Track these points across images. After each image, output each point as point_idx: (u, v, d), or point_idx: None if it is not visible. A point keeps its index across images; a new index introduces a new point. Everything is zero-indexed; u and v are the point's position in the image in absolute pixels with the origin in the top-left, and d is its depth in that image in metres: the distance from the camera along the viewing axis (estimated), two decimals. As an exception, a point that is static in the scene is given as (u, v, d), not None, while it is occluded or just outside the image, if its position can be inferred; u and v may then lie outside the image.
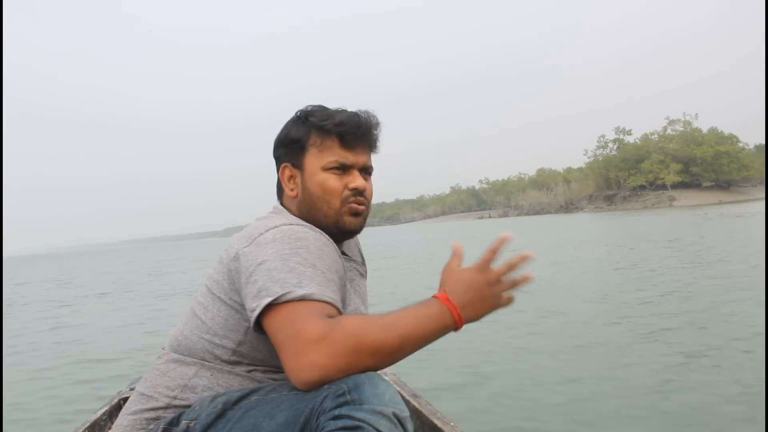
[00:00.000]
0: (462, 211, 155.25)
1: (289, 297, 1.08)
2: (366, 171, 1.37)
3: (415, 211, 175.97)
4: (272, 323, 1.09)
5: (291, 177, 1.37)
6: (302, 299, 1.08)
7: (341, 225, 1.33)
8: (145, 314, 10.32)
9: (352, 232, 1.37)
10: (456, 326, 1.13)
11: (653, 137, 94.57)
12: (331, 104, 1.39)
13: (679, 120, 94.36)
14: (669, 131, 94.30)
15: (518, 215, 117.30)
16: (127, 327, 8.98)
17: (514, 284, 1.17)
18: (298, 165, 1.35)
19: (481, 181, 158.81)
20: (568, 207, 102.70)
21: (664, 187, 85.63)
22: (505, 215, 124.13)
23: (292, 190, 1.36)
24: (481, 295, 1.15)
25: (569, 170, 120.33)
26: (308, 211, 1.33)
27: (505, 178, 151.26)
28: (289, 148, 1.36)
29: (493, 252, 1.16)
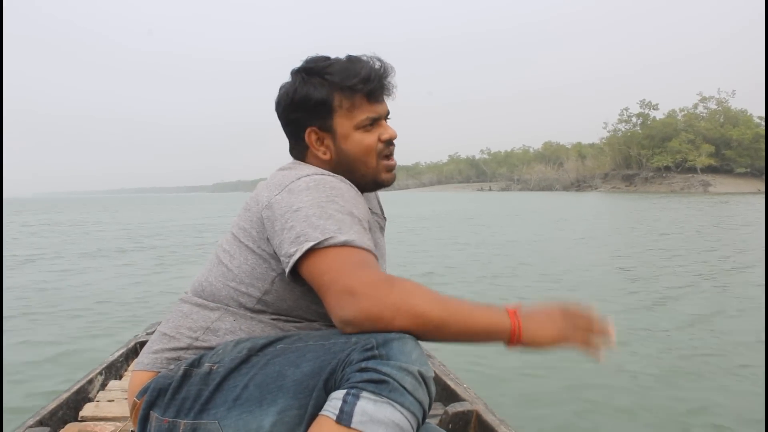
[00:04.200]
0: (460, 182, 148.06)
1: (331, 242, 1.08)
2: (387, 117, 1.36)
3: (410, 178, 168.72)
4: (315, 267, 1.09)
5: (320, 140, 1.32)
6: (344, 245, 1.09)
7: (378, 181, 1.34)
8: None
9: (387, 186, 1.38)
10: (510, 334, 1.07)
11: (680, 115, 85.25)
12: (320, 52, 1.34)
13: (712, 97, 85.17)
14: (700, 109, 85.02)
15: (521, 189, 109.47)
16: None
17: (594, 330, 1.14)
18: (327, 128, 1.31)
19: (482, 151, 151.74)
20: (580, 185, 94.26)
21: (692, 170, 76.79)
22: (508, 189, 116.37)
23: (324, 153, 1.33)
24: (555, 318, 1.12)
25: (579, 146, 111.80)
26: (344, 173, 1.30)
27: (509, 150, 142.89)
28: (313, 111, 1.30)
29: (595, 324, 1.14)
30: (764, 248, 10.66)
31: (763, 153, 72.30)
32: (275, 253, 1.18)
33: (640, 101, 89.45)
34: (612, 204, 38.55)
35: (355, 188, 1.25)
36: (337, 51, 1.31)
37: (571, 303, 1.15)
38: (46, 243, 15.53)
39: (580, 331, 1.13)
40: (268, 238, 1.20)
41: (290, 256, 1.11)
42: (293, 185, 1.19)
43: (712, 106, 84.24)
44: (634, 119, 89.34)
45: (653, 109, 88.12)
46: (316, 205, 1.14)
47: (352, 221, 1.13)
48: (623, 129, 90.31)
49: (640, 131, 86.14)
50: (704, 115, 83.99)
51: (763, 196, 47.01)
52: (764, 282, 7.30)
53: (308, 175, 1.21)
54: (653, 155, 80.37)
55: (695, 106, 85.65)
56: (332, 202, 1.15)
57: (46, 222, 26.75)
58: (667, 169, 79.47)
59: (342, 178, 1.25)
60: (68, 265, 10.57)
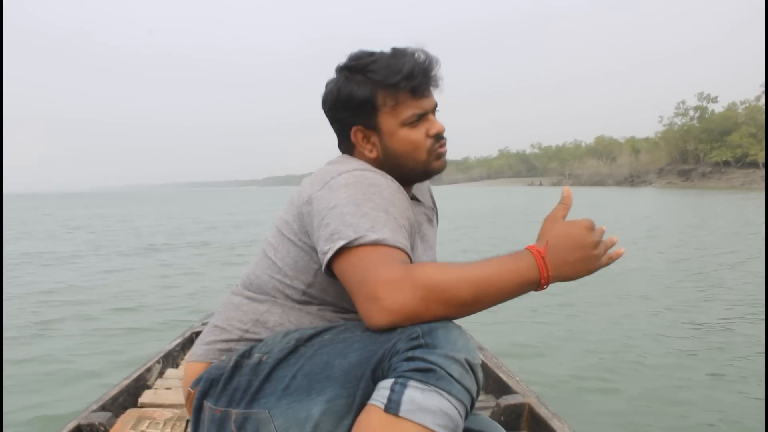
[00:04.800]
0: (510, 176, 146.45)
1: (362, 241, 1.09)
2: (435, 110, 1.34)
3: (459, 172, 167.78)
4: (345, 267, 1.10)
5: (365, 138, 1.33)
6: (375, 244, 1.09)
7: (429, 171, 1.34)
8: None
9: (438, 173, 1.37)
10: (539, 286, 1.09)
11: (741, 107, 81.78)
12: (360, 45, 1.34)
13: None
14: (763, 101, 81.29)
15: (573, 185, 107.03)
16: None
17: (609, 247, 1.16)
18: (372, 126, 1.31)
19: (532, 146, 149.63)
20: (634, 180, 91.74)
21: (754, 165, 73.64)
22: (559, 184, 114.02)
23: (371, 151, 1.33)
24: (585, 256, 1.11)
25: (633, 140, 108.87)
26: (392, 168, 1.30)
27: (560, 144, 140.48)
28: (357, 110, 1.30)
29: (600, 232, 1.15)
30: (764, 246, 10.16)
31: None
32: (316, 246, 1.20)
33: (698, 94, 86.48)
34: (678, 201, 37.20)
35: (397, 184, 1.25)
36: (377, 43, 1.29)
37: (584, 220, 1.14)
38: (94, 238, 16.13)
39: (601, 247, 1.13)
40: (308, 232, 1.22)
41: (325, 253, 1.12)
42: (333, 181, 1.20)
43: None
44: (691, 112, 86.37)
45: (712, 101, 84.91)
46: (352, 203, 1.14)
47: (386, 219, 1.13)
48: (680, 123, 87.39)
49: (697, 125, 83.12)
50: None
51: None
52: (764, 282, 6.98)
53: (349, 171, 1.22)
54: (711, 150, 77.41)
55: (758, 98, 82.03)
56: (369, 200, 1.15)
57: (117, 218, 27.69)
58: (726, 164, 76.43)
59: (383, 173, 1.25)
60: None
